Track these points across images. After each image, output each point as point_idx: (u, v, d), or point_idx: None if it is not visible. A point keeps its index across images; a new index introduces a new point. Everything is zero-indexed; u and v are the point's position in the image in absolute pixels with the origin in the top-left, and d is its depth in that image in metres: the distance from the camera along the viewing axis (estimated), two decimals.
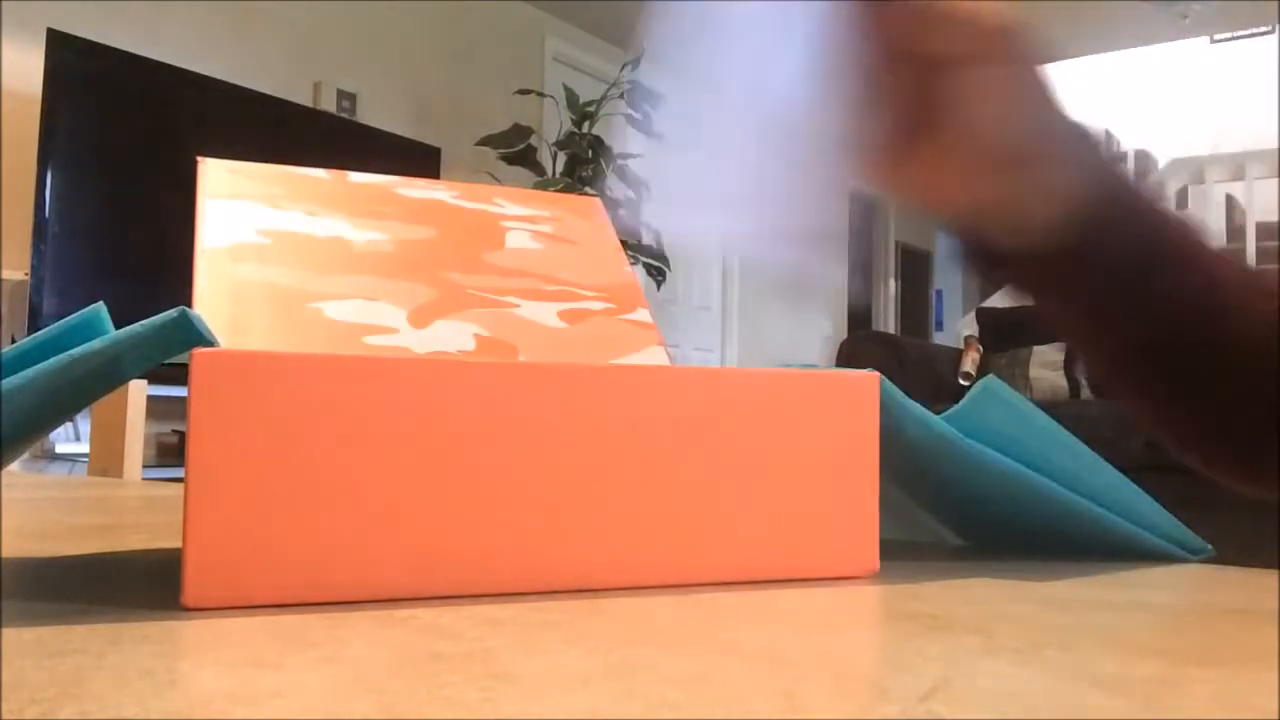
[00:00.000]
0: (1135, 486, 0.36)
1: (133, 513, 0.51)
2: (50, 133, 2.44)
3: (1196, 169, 5.80)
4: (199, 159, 0.50)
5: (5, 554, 0.35)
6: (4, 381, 0.25)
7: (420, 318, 0.51)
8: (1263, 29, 6.03)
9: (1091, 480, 0.35)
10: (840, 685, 0.20)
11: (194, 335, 0.26)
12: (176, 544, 0.38)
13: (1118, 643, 0.24)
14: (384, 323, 0.50)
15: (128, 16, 2.89)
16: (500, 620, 0.25)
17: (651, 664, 0.21)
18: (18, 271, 2.48)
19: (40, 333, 0.27)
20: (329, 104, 3.45)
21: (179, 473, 2.46)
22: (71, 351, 0.25)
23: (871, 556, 0.32)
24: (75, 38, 2.49)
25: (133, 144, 2.59)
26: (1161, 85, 7.37)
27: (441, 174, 3.31)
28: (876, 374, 0.32)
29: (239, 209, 0.49)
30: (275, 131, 2.86)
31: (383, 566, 0.27)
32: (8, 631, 0.23)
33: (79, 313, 0.28)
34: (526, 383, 0.28)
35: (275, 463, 0.26)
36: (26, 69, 2.59)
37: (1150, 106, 7.45)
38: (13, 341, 2.50)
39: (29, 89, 2.54)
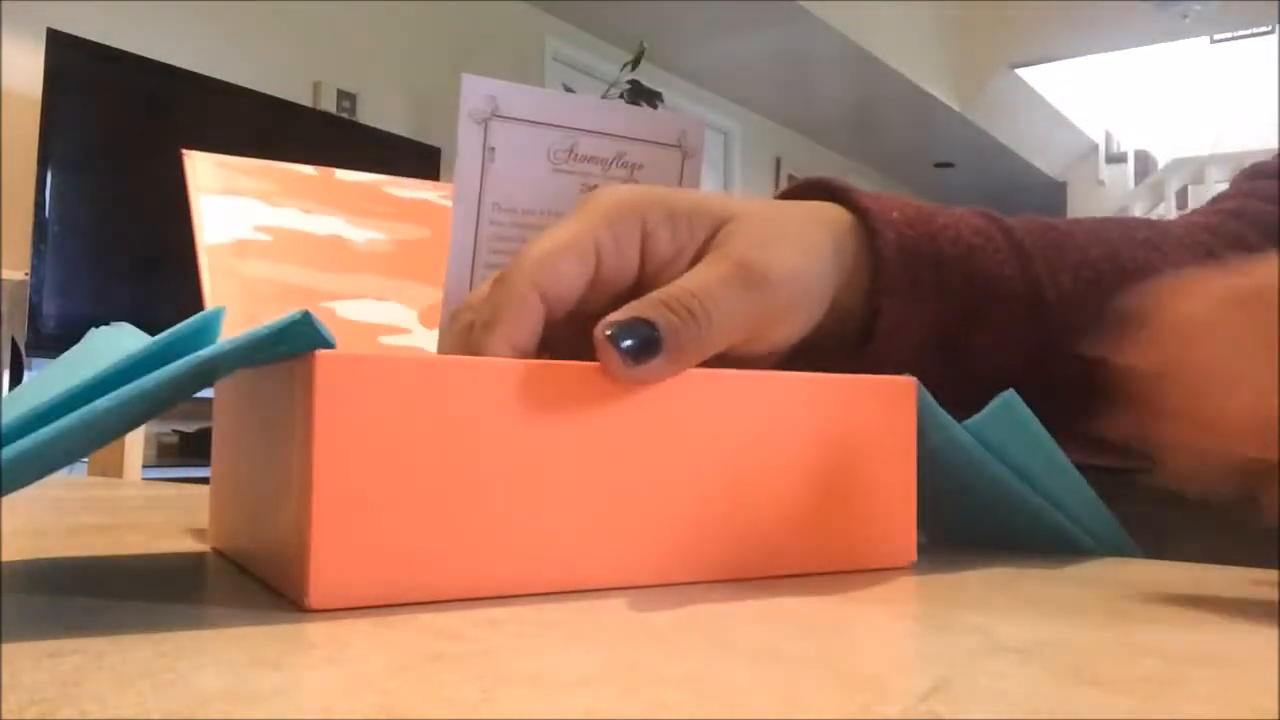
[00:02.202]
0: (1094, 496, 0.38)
1: (133, 513, 0.51)
2: (50, 133, 2.44)
3: (1196, 169, 5.79)
4: (184, 151, 0.50)
5: (5, 554, 0.35)
6: (132, 386, 0.24)
7: (431, 318, 0.51)
8: (1263, 29, 6.03)
9: (1071, 496, 0.38)
10: (840, 685, 0.20)
11: (316, 337, 0.26)
12: (176, 544, 0.38)
13: (1118, 643, 0.24)
14: (396, 323, 0.50)
15: (128, 16, 2.89)
16: (500, 620, 0.25)
17: (651, 664, 0.21)
18: (18, 272, 2.48)
19: (155, 339, 0.26)
20: (329, 104, 3.45)
21: (179, 473, 2.46)
22: (200, 354, 0.25)
23: (910, 548, 0.35)
24: (75, 38, 2.49)
25: (133, 144, 2.59)
26: (1161, 85, 7.36)
27: (441, 174, 3.31)
28: (913, 379, 0.34)
29: (235, 205, 0.49)
30: (275, 131, 2.86)
31: (502, 564, 0.28)
32: (8, 631, 0.23)
33: (194, 318, 0.27)
34: (658, 388, 0.30)
35: (395, 464, 0.27)
36: (26, 69, 2.59)
37: (1150, 106, 7.45)
38: (13, 342, 2.48)
39: (29, 89, 2.54)
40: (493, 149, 0.36)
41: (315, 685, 0.19)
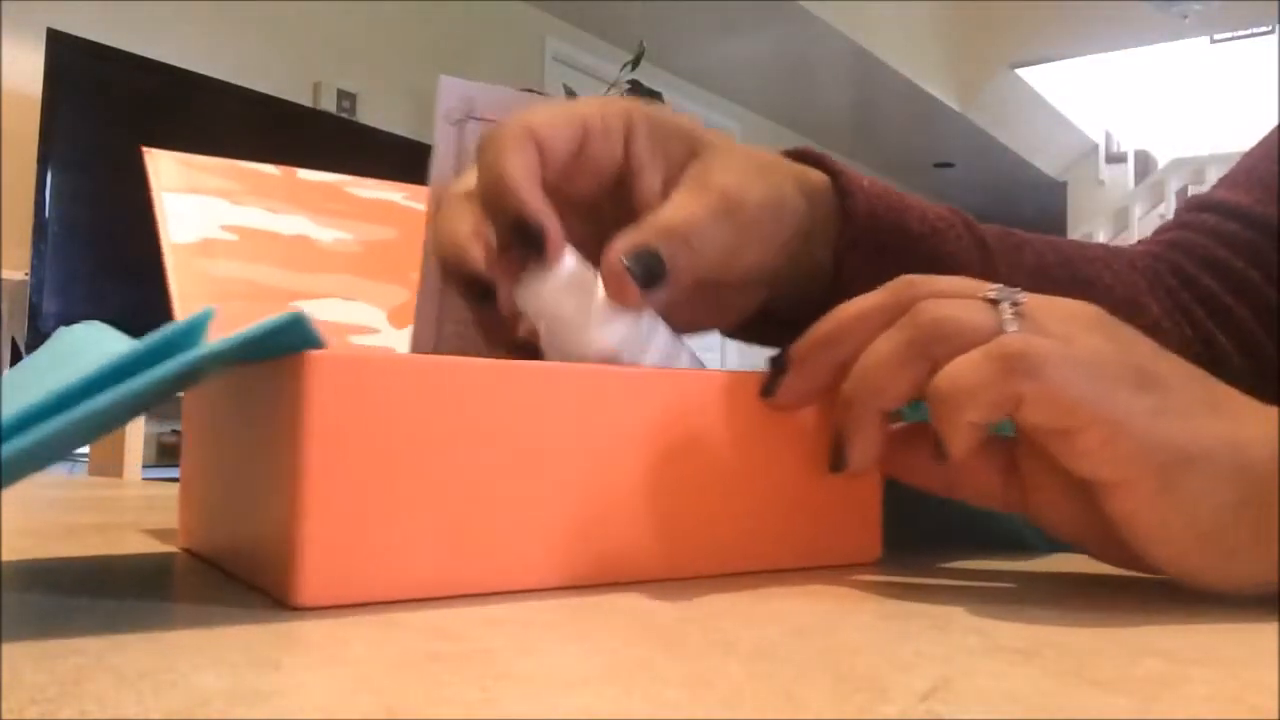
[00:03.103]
0: None
1: (133, 513, 0.51)
2: (50, 133, 2.44)
3: (1196, 169, 5.79)
4: (144, 150, 0.49)
5: (5, 554, 0.35)
6: (125, 386, 0.24)
7: (399, 318, 0.51)
8: (1263, 29, 6.02)
9: None
10: (840, 685, 0.20)
11: (309, 337, 0.26)
12: (176, 544, 0.38)
13: (1117, 643, 0.24)
14: (364, 322, 0.50)
15: (128, 16, 2.89)
16: (500, 620, 0.25)
17: (651, 664, 0.21)
18: (18, 271, 2.48)
19: (146, 339, 0.26)
20: (329, 104, 3.44)
21: (179, 473, 2.44)
22: (193, 353, 0.25)
23: (875, 545, 0.36)
24: (75, 38, 2.49)
25: (133, 144, 2.58)
26: (1161, 85, 7.36)
27: None
28: None
29: (199, 204, 0.48)
30: (275, 131, 2.86)
31: (490, 561, 0.28)
32: (8, 631, 0.23)
33: (183, 320, 0.27)
34: (633, 388, 0.31)
35: (384, 462, 0.27)
36: (26, 69, 2.59)
37: (1150, 106, 7.45)
38: (13, 342, 2.46)
39: (29, 89, 2.54)
40: (468, 151, 0.36)
41: (315, 685, 0.19)
